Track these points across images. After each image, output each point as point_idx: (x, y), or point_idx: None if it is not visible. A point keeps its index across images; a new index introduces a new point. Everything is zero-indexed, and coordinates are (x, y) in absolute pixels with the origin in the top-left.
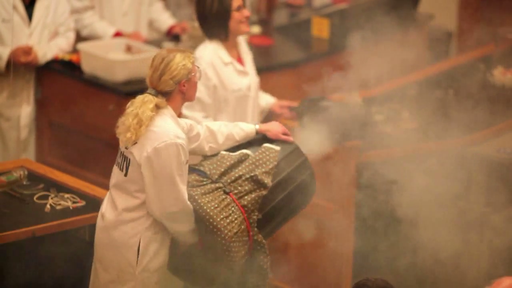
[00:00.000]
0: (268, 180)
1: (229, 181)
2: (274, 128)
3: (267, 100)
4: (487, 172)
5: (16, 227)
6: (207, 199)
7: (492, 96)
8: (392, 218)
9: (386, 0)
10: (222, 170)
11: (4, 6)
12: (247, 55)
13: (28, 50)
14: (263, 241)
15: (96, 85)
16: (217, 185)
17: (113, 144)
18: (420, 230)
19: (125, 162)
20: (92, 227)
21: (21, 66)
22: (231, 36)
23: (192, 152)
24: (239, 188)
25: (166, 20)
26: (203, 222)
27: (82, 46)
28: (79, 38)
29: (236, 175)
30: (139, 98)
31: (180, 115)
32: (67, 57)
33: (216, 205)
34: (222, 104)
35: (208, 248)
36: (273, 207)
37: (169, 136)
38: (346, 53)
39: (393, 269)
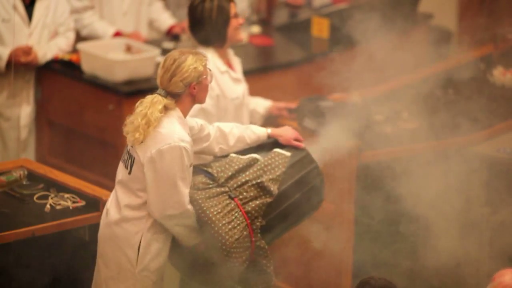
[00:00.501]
0: (274, 188)
1: (235, 185)
2: (286, 133)
3: (264, 105)
4: (487, 172)
5: (16, 227)
6: (211, 203)
7: (492, 96)
8: (392, 218)
9: (386, 0)
10: (230, 173)
11: (4, 6)
12: (237, 62)
13: (28, 50)
14: (265, 246)
15: (96, 85)
16: (222, 189)
17: (113, 144)
18: (420, 230)
19: (130, 160)
20: (92, 227)
21: (21, 66)
22: (227, 43)
23: (202, 152)
24: (245, 193)
25: (166, 20)
26: (205, 226)
27: (82, 46)
28: (79, 38)
29: (243, 180)
30: (149, 98)
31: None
32: (67, 57)
33: (219, 210)
34: (222, 113)
35: (209, 251)
36: (278, 214)
37: (173, 139)
38: (346, 53)
39: (393, 269)
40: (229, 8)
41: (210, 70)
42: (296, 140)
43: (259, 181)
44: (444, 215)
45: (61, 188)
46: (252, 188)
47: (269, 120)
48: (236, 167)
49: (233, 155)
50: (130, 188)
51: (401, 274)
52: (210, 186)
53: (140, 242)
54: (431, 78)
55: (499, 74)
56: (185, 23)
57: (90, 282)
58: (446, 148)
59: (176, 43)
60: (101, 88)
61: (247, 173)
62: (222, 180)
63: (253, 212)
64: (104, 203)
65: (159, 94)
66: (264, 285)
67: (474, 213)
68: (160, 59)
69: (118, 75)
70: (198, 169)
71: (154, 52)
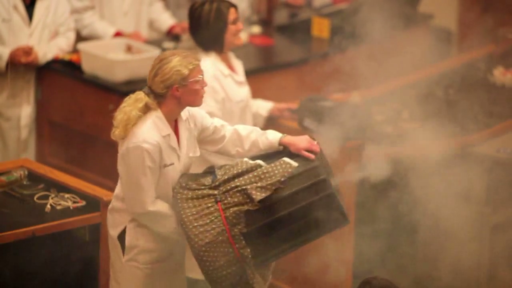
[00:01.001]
0: (258, 196)
1: (224, 190)
2: (298, 142)
3: (266, 107)
4: (487, 172)
5: (16, 227)
6: (189, 204)
7: (492, 96)
8: (393, 218)
9: (387, 0)
10: (226, 177)
11: (5, 6)
12: (239, 65)
13: (28, 51)
14: (249, 256)
15: (96, 85)
16: (211, 191)
17: (113, 144)
18: (421, 230)
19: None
20: (92, 227)
21: (21, 66)
22: (225, 48)
23: (219, 153)
24: (229, 198)
25: (166, 20)
26: (182, 226)
27: (82, 46)
28: (79, 38)
29: (233, 185)
30: (133, 95)
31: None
32: (67, 57)
33: (194, 212)
34: (228, 116)
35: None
36: (266, 225)
37: (138, 139)
38: (346, 53)
39: (393, 269)
40: (228, 14)
41: (201, 76)
42: (310, 151)
43: (244, 187)
44: (444, 215)
45: (62, 188)
46: (238, 194)
47: (271, 121)
48: (235, 172)
49: (245, 159)
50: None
51: (401, 274)
52: (203, 187)
53: (124, 233)
54: (431, 78)
55: (499, 74)
56: (185, 23)
57: (91, 282)
58: (446, 148)
59: (177, 43)
60: (102, 88)
61: (243, 178)
62: (217, 183)
63: (230, 218)
64: (105, 203)
65: (144, 92)
66: None
67: (475, 213)
68: None
69: (119, 75)
70: (211, 170)
71: (154, 52)
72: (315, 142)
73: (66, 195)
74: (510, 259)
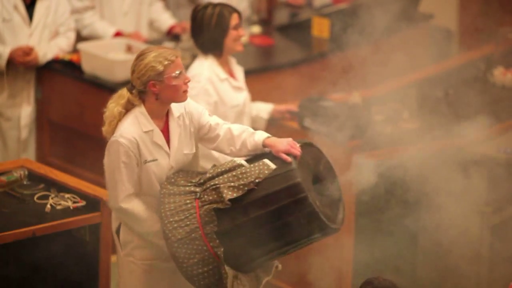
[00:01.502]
0: (229, 195)
1: (204, 188)
2: (278, 144)
3: (266, 110)
4: (488, 171)
5: (16, 227)
6: (170, 199)
7: (492, 96)
8: (393, 218)
9: (387, 0)
10: (210, 175)
11: (5, 6)
12: (239, 71)
13: (28, 51)
14: (222, 256)
15: (96, 85)
16: (193, 188)
17: None
18: (421, 230)
19: None
20: (93, 227)
21: (21, 66)
22: (224, 53)
23: (217, 151)
24: (206, 196)
25: (166, 20)
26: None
27: (82, 46)
28: (80, 38)
29: (213, 183)
30: (117, 92)
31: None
32: (67, 57)
33: (172, 208)
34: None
35: None
36: (240, 226)
37: (116, 134)
38: (347, 53)
39: (394, 269)
40: (230, 19)
41: (178, 72)
42: (289, 153)
43: (218, 186)
44: (444, 215)
45: (62, 188)
46: (214, 192)
47: (272, 121)
48: (219, 170)
49: (235, 158)
50: None
51: (401, 274)
52: (189, 184)
53: (119, 228)
54: (431, 78)
55: (499, 74)
56: (186, 23)
57: (91, 282)
58: (446, 148)
59: (177, 43)
60: (102, 88)
61: (223, 176)
62: (202, 180)
63: (203, 215)
64: (105, 203)
65: (127, 88)
66: None
67: (475, 213)
68: None
69: (119, 75)
70: (203, 171)
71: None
72: (298, 145)
73: (66, 195)
74: (511, 259)
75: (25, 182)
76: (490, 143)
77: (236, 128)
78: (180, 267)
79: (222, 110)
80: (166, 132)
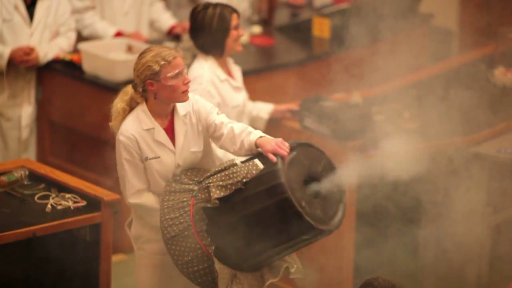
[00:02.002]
0: (216, 194)
1: (200, 186)
2: (266, 144)
3: (266, 110)
4: (488, 172)
5: (17, 227)
6: (169, 197)
7: (492, 96)
8: (393, 218)
9: (387, 0)
10: (209, 174)
11: (6, 6)
12: (237, 71)
13: (29, 51)
14: (212, 254)
15: (97, 85)
16: (191, 187)
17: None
18: (422, 230)
19: None
20: (93, 227)
21: (22, 66)
22: (225, 53)
23: (223, 149)
24: (199, 195)
25: (167, 20)
26: None
27: (83, 46)
28: (80, 38)
29: (207, 182)
30: (124, 88)
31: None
32: (68, 57)
33: (170, 205)
34: None
35: None
36: (229, 225)
37: (119, 132)
38: (347, 53)
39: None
40: (231, 19)
41: (176, 72)
42: (276, 153)
43: (209, 185)
44: (445, 216)
45: (62, 188)
46: (206, 191)
47: (274, 121)
48: (217, 169)
49: (235, 157)
50: None
51: (401, 274)
52: (191, 182)
53: (131, 223)
54: (432, 78)
55: (500, 74)
56: (186, 23)
57: (92, 282)
58: (447, 148)
59: (177, 43)
60: (102, 88)
61: (216, 176)
62: (201, 179)
63: (195, 213)
64: (105, 203)
65: (131, 85)
66: None
67: (475, 213)
68: None
69: (119, 75)
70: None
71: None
72: (287, 146)
73: (67, 195)
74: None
75: (25, 182)
76: (491, 143)
77: (238, 127)
78: (176, 265)
79: (224, 111)
80: (171, 130)
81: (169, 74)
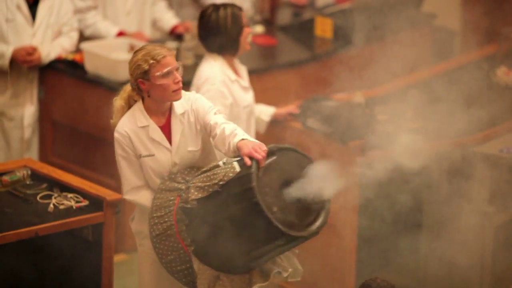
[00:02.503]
0: (194, 195)
1: (186, 185)
2: (244, 147)
3: (268, 113)
4: (490, 172)
5: (19, 226)
6: (161, 195)
7: (495, 95)
8: (395, 218)
9: (390, 0)
10: (197, 174)
11: (8, 6)
12: (243, 70)
13: (31, 51)
14: (191, 254)
15: (99, 84)
16: (180, 186)
17: None
18: (423, 230)
19: None
20: (95, 226)
21: (25, 66)
22: (239, 51)
23: (217, 149)
24: (183, 194)
25: (169, 19)
26: None
27: (85, 45)
28: (82, 37)
29: (191, 182)
30: (124, 86)
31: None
32: (70, 57)
33: (158, 203)
34: (235, 121)
35: None
36: (204, 226)
37: (115, 128)
38: (349, 52)
39: (396, 270)
40: (242, 16)
41: (166, 71)
42: (251, 157)
43: (190, 185)
44: (447, 215)
45: (65, 187)
46: (187, 191)
47: (276, 123)
48: (204, 169)
49: (226, 158)
50: None
51: (403, 274)
52: (183, 182)
53: (133, 218)
54: (434, 78)
55: (502, 74)
56: (189, 23)
57: (94, 281)
58: (449, 148)
59: (180, 43)
60: (105, 87)
61: (199, 176)
62: (190, 178)
63: (176, 213)
64: (108, 202)
65: (130, 83)
66: None
67: (478, 213)
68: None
69: (122, 74)
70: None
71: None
72: (264, 149)
73: (69, 195)
74: None
75: (28, 182)
76: (493, 143)
77: (228, 129)
78: (161, 263)
79: (236, 111)
80: (168, 128)
81: (157, 73)
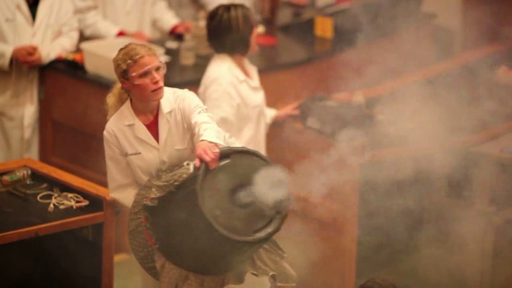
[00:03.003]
0: (153, 194)
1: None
2: (198, 148)
3: (269, 115)
4: (490, 171)
5: (19, 226)
6: (141, 191)
7: (495, 95)
8: (396, 218)
9: (390, 0)
10: (172, 173)
11: (8, 5)
12: (253, 71)
13: (32, 51)
14: (158, 253)
15: (99, 84)
16: (157, 183)
17: None
18: (423, 229)
19: None
20: (96, 226)
21: (25, 66)
22: (250, 51)
23: None
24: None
25: (169, 19)
26: None
27: (85, 45)
28: (83, 37)
29: (157, 180)
30: (116, 83)
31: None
32: (70, 57)
33: (136, 199)
34: (244, 121)
35: None
36: (163, 225)
37: (105, 126)
38: (349, 52)
39: (396, 269)
40: (251, 17)
41: (144, 71)
42: (201, 159)
43: (154, 184)
44: (448, 215)
45: (65, 187)
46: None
47: (275, 123)
48: (175, 168)
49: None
50: None
51: (403, 274)
52: (163, 180)
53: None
54: (434, 77)
55: (502, 74)
56: (189, 23)
57: (94, 281)
58: (450, 147)
59: (180, 43)
60: (105, 87)
61: (165, 176)
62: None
63: (141, 211)
64: (108, 202)
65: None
66: None
67: (478, 213)
68: (164, 59)
69: None
70: None
71: (157, 52)
72: (215, 151)
73: (69, 195)
74: None
75: (28, 182)
76: (494, 142)
77: (202, 128)
78: (136, 259)
79: (245, 111)
80: (155, 126)
81: (133, 74)
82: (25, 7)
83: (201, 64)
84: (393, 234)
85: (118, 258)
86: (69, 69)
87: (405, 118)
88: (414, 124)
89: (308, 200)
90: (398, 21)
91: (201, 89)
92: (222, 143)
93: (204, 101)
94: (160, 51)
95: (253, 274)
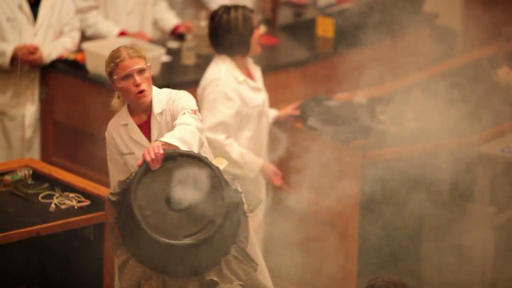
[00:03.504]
0: (113, 189)
1: None
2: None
3: (271, 115)
4: (491, 171)
5: (20, 226)
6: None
7: (496, 95)
8: (397, 218)
9: (391, 0)
10: None
11: (10, 5)
12: (257, 71)
13: (33, 50)
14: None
15: (101, 84)
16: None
17: None
18: (424, 229)
19: None
20: (97, 226)
21: (26, 65)
22: (250, 52)
23: None
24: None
25: (170, 19)
26: None
27: (86, 45)
28: (84, 37)
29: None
30: None
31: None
32: (71, 57)
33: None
34: (244, 121)
35: None
36: (123, 222)
37: None
38: (351, 52)
39: (396, 269)
40: (253, 18)
41: (125, 74)
42: (145, 159)
43: (124, 180)
44: (448, 215)
45: (66, 187)
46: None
47: (275, 124)
48: None
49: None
50: None
51: (403, 274)
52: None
53: None
54: (435, 77)
55: (503, 74)
56: (190, 23)
57: (95, 281)
58: (450, 147)
59: (181, 43)
60: (106, 87)
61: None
62: None
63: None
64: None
65: None
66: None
67: (479, 213)
68: (165, 59)
69: None
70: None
71: (159, 52)
72: (159, 152)
73: (71, 195)
74: None
75: (29, 182)
76: (495, 143)
77: (175, 129)
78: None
79: (245, 112)
80: (148, 126)
81: (115, 77)
82: (26, 7)
83: (202, 64)
84: (393, 234)
85: None
86: (70, 69)
87: (406, 118)
88: (415, 124)
89: (308, 200)
90: (400, 21)
91: (199, 90)
92: (180, 145)
93: (201, 102)
94: (161, 51)
95: (213, 280)
